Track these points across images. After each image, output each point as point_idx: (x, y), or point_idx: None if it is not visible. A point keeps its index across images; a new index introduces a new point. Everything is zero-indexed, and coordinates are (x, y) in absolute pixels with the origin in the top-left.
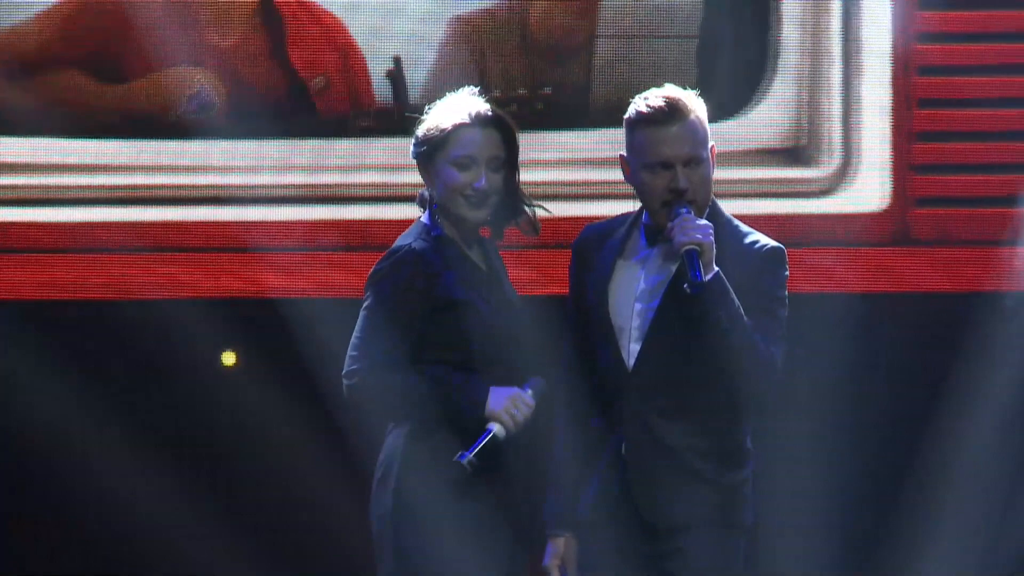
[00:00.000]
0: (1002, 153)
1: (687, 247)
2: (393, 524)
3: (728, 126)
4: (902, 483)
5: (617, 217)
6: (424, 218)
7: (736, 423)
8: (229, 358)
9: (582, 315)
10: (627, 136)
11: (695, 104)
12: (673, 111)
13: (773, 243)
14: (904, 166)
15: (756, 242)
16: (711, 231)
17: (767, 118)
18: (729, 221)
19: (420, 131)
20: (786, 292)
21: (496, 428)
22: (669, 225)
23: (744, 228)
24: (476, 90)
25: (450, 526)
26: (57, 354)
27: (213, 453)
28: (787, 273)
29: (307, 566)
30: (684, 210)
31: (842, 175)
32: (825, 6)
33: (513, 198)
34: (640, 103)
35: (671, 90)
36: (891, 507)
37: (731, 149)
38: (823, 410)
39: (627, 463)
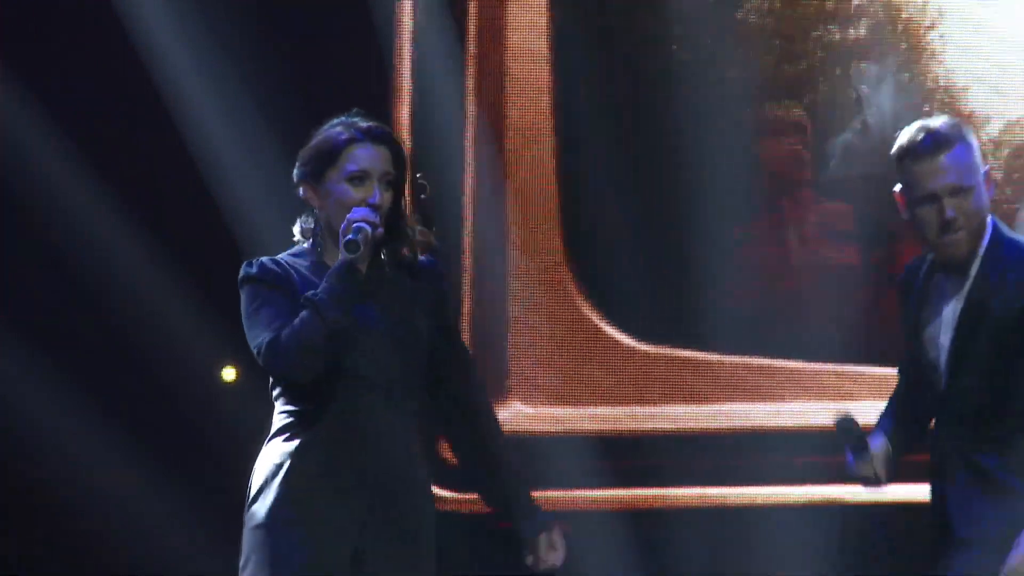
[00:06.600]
0: None
1: None
2: (244, 535)
3: None
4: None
5: None
6: (307, 245)
7: None
8: (229, 374)
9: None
10: (896, 171)
11: (960, 132)
12: (934, 143)
13: None
14: None
15: None
16: None
17: None
18: (1012, 242)
19: (306, 151)
20: None
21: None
22: None
23: None
24: (362, 112)
25: (285, 528)
26: (58, 362)
27: (213, 458)
28: None
29: None
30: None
31: None
32: None
33: (398, 220)
34: (903, 137)
35: (935, 120)
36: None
37: None
38: None
39: (943, 485)
